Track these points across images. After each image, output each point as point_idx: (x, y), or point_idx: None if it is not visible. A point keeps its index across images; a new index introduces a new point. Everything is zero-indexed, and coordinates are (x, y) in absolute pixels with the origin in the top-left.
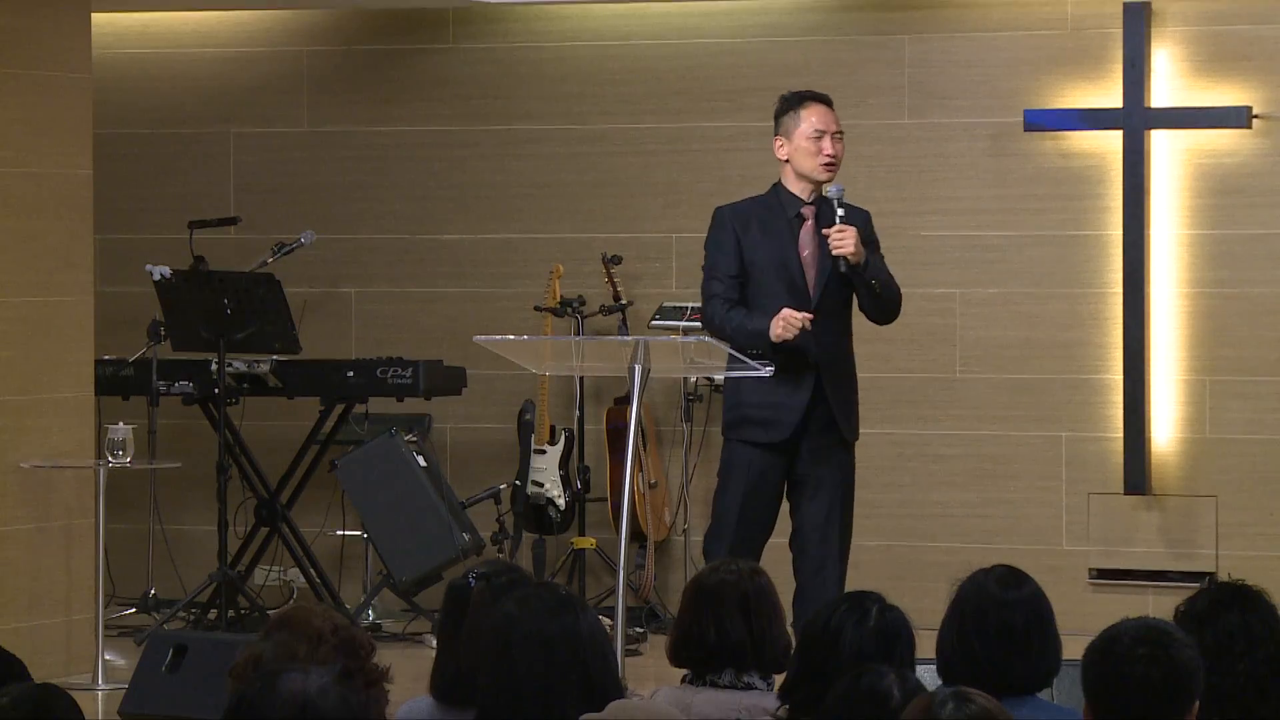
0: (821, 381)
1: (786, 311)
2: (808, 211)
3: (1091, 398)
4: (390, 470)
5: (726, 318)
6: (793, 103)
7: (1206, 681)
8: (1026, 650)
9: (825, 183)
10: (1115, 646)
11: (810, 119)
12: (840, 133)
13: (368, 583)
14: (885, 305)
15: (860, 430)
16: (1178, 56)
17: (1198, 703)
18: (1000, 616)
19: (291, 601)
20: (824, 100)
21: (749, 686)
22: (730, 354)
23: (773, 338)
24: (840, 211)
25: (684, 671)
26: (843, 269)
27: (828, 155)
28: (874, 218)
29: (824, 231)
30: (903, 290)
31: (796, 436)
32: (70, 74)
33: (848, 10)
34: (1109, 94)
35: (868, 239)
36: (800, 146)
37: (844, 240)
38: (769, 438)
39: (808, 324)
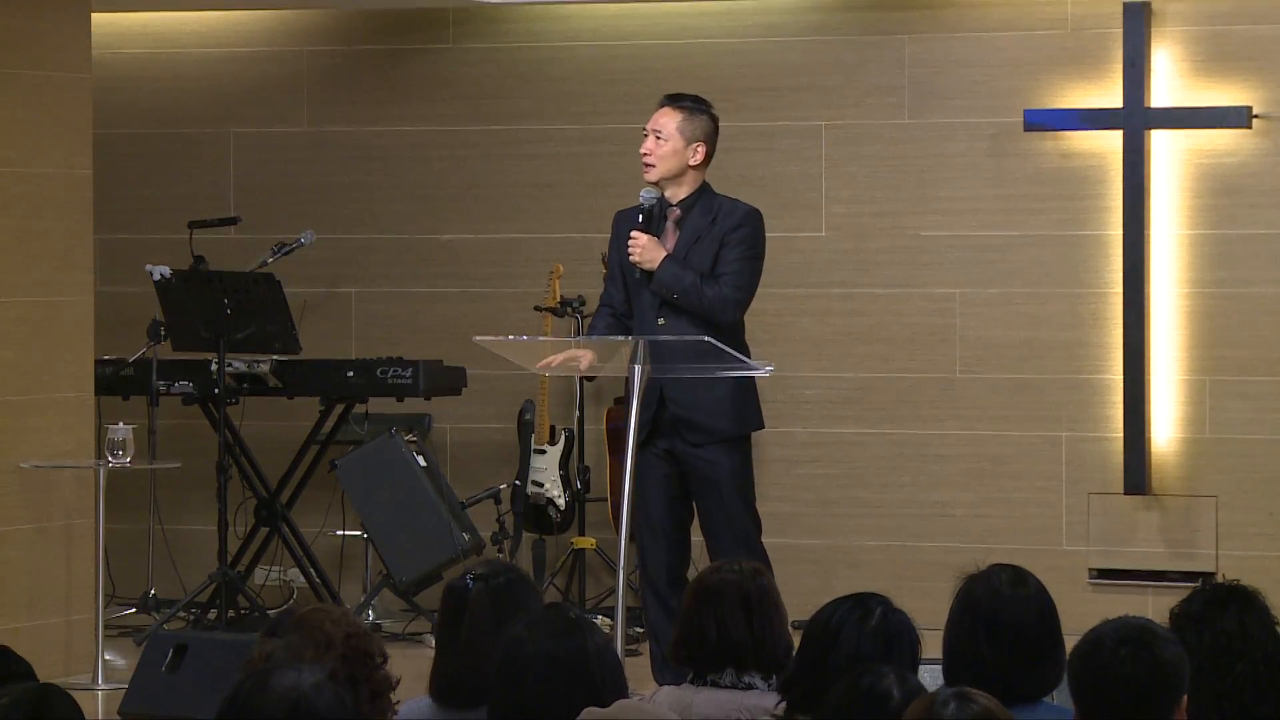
0: (663, 386)
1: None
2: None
3: (1091, 398)
4: (390, 470)
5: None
6: None
7: (1205, 683)
8: (1039, 653)
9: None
10: (1099, 649)
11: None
12: (658, 132)
13: (368, 583)
14: (693, 309)
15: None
16: (1178, 56)
17: (1185, 696)
18: (1014, 616)
19: (291, 601)
20: (662, 102)
21: (749, 686)
22: (729, 354)
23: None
24: (640, 216)
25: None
26: (636, 276)
27: (642, 154)
28: (874, 218)
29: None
30: (903, 290)
31: (652, 438)
32: (70, 74)
33: (848, 10)
34: (1109, 94)
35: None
36: None
37: (631, 248)
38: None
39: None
